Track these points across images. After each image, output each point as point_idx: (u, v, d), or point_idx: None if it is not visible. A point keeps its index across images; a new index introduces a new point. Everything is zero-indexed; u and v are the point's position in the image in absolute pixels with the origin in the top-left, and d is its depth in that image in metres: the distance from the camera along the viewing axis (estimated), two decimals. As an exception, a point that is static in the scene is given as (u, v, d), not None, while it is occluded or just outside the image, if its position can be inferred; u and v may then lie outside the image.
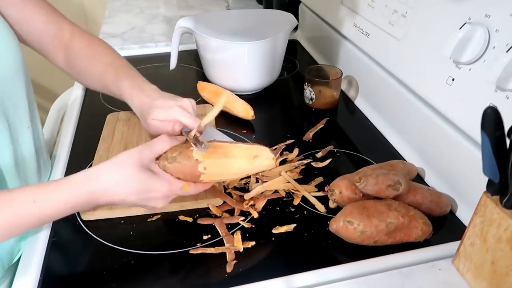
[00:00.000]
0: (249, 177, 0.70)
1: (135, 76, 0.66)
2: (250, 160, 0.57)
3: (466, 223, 0.61)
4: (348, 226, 0.56)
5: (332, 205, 0.65)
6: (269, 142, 0.79)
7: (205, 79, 0.97)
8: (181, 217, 0.63)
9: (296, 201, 0.66)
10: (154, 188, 0.53)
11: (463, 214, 0.63)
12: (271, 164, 0.58)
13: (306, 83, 0.89)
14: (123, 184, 0.52)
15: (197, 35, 0.92)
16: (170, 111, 0.60)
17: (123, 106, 0.90)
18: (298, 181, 0.69)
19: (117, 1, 1.56)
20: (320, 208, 0.64)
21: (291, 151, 0.76)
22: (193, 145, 0.55)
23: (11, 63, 0.59)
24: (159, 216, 0.64)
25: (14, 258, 0.63)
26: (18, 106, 0.62)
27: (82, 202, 0.52)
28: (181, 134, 0.60)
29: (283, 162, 0.73)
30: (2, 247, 0.61)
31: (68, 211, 0.52)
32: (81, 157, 0.75)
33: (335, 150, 0.78)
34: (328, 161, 0.74)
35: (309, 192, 0.67)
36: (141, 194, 0.53)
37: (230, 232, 0.61)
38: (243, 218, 0.63)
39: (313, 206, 0.65)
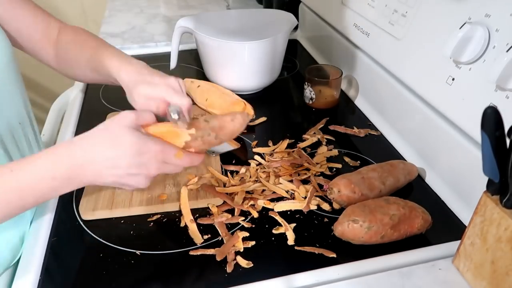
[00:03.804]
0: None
1: (122, 54, 0.65)
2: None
3: (466, 223, 0.61)
4: (354, 225, 0.56)
5: (336, 206, 0.65)
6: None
7: (205, 78, 0.97)
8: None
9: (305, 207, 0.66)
10: (147, 148, 0.50)
11: (463, 214, 0.63)
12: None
13: (306, 82, 0.89)
14: (112, 145, 0.48)
15: (197, 35, 0.92)
16: (156, 88, 0.58)
17: (123, 106, 0.90)
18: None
19: (117, 1, 1.56)
20: (325, 206, 0.65)
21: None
22: (172, 121, 0.53)
23: (1, 57, 0.59)
24: (159, 216, 0.64)
25: (16, 257, 0.63)
26: (8, 101, 0.62)
27: (65, 172, 0.48)
28: (164, 113, 0.59)
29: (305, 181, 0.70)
30: (5, 245, 0.61)
31: (50, 185, 0.48)
32: (81, 157, 0.75)
33: (331, 149, 0.78)
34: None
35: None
36: (133, 156, 0.49)
37: (230, 232, 0.61)
38: (243, 218, 0.63)
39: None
